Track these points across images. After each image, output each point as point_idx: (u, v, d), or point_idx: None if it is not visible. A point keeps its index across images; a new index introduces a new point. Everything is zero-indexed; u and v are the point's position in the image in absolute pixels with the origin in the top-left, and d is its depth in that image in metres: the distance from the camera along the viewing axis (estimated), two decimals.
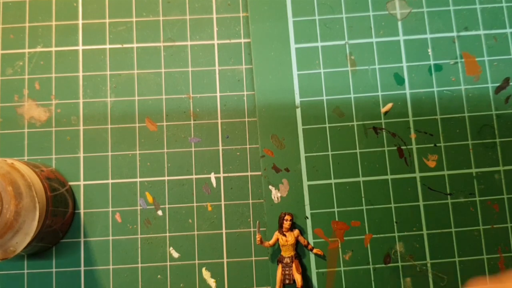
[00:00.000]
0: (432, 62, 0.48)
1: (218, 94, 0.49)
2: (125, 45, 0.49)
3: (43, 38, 0.49)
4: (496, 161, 0.46)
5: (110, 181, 0.47)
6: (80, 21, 0.49)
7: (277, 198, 0.46)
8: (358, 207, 0.46)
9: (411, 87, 0.48)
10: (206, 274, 0.46)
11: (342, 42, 0.49)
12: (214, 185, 0.47)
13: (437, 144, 0.47)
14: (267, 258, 0.46)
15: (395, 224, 0.46)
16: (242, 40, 0.49)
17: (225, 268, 0.46)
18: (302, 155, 0.47)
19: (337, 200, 0.46)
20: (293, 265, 0.44)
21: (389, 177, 0.46)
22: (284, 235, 0.45)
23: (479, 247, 0.45)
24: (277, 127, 0.47)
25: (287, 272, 0.44)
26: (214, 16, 0.50)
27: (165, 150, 0.47)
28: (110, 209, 0.46)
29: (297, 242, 0.45)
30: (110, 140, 0.48)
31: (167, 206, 0.47)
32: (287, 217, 0.45)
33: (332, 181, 0.46)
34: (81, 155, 0.47)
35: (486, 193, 0.46)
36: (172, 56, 0.49)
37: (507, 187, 0.46)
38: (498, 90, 0.48)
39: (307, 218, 0.46)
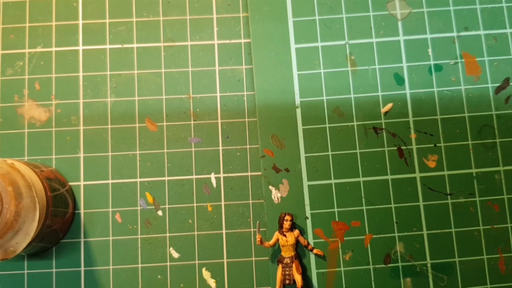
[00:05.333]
0: (432, 62, 0.48)
1: (218, 94, 0.49)
2: (125, 45, 0.49)
3: (43, 38, 0.49)
4: (496, 161, 0.46)
5: (110, 181, 0.47)
6: (80, 21, 0.49)
7: (277, 198, 0.46)
8: (358, 207, 0.46)
9: (411, 87, 0.48)
10: (206, 274, 0.46)
11: (342, 42, 0.49)
12: (214, 185, 0.47)
13: (437, 144, 0.47)
14: (267, 258, 0.46)
15: (395, 224, 0.46)
16: (242, 40, 0.49)
17: (225, 268, 0.46)
18: (302, 155, 0.47)
19: (337, 200, 0.46)
20: (293, 265, 0.44)
21: (389, 177, 0.46)
22: (284, 235, 0.45)
23: (479, 247, 0.45)
24: (277, 127, 0.47)
25: (287, 272, 0.44)
26: (214, 16, 0.50)
27: (165, 150, 0.47)
28: (110, 209, 0.46)
29: (297, 242, 0.45)
30: (110, 140, 0.48)
31: (167, 206, 0.47)
32: (287, 217, 0.45)
33: (332, 181, 0.46)
34: (81, 155, 0.47)
35: (486, 193, 0.46)
36: (172, 56, 0.49)
37: (507, 187, 0.46)
38: (498, 90, 0.48)
39: (307, 218, 0.46)
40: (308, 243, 0.45)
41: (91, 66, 0.49)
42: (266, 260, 0.46)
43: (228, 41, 0.49)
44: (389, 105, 0.47)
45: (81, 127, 0.48)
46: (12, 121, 0.48)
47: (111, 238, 0.46)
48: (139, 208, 0.47)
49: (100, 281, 0.45)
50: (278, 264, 0.45)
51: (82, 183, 0.47)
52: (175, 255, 0.46)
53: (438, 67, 0.48)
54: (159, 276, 0.46)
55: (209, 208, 0.47)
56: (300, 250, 0.45)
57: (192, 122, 0.48)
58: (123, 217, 0.46)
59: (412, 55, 0.48)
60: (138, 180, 0.47)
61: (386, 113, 0.47)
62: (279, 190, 0.46)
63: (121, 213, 0.46)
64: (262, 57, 0.48)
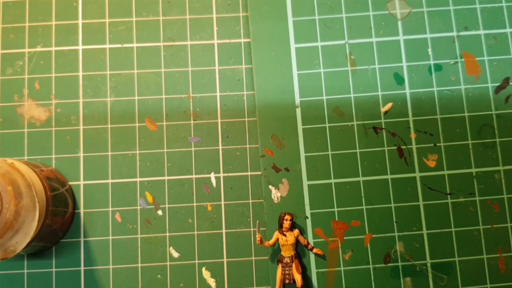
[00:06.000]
0: (432, 62, 0.48)
1: (218, 94, 0.49)
2: (125, 45, 0.49)
3: (43, 38, 0.49)
4: (496, 161, 0.46)
5: (110, 181, 0.47)
6: (80, 21, 0.49)
7: (277, 197, 0.46)
8: (358, 207, 0.46)
9: (411, 87, 0.48)
10: (206, 274, 0.46)
11: (342, 42, 0.49)
12: (214, 185, 0.47)
13: (437, 144, 0.47)
14: (267, 258, 0.46)
15: (395, 224, 0.46)
16: (242, 40, 0.49)
17: (225, 268, 0.46)
18: (302, 155, 0.47)
19: (337, 200, 0.46)
20: (293, 265, 0.44)
21: (389, 177, 0.46)
22: (284, 234, 0.45)
23: (479, 247, 0.45)
24: (277, 127, 0.47)
25: (287, 272, 0.44)
26: (214, 16, 0.50)
27: (165, 150, 0.47)
28: (110, 209, 0.46)
29: (297, 242, 0.45)
30: (110, 140, 0.48)
31: (167, 206, 0.47)
32: (287, 216, 0.45)
33: (332, 181, 0.46)
34: (81, 155, 0.47)
35: (486, 193, 0.46)
36: (172, 56, 0.49)
37: (507, 187, 0.46)
38: (498, 89, 0.48)
39: (307, 218, 0.46)
40: (308, 243, 0.45)
41: (91, 65, 0.49)
42: (266, 260, 0.46)
43: (228, 41, 0.49)
44: (389, 105, 0.47)
45: (81, 127, 0.48)
46: (12, 120, 0.48)
47: (111, 237, 0.46)
48: (139, 207, 0.47)
49: (100, 280, 0.45)
50: (278, 264, 0.45)
51: (82, 182, 0.47)
52: (175, 254, 0.46)
53: (438, 67, 0.48)
54: (159, 276, 0.46)
55: (209, 208, 0.47)
56: (300, 250, 0.45)
57: (192, 122, 0.48)
58: (123, 216, 0.46)
59: (412, 55, 0.48)
60: (138, 179, 0.47)
61: (386, 112, 0.47)
62: (279, 190, 0.46)
63: (121, 212, 0.46)
64: (262, 56, 0.48)
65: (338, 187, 0.46)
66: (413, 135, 0.47)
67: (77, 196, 0.47)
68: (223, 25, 0.50)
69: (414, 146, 0.47)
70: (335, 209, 0.46)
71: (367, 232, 0.46)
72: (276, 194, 0.46)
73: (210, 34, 0.49)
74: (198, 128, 0.48)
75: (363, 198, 0.46)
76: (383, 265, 0.45)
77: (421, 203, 0.46)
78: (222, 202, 0.47)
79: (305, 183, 0.46)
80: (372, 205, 0.46)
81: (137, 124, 0.48)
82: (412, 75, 0.48)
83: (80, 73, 0.49)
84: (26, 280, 0.45)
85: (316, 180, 0.46)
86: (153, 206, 0.47)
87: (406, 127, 0.47)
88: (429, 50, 0.48)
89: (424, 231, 0.46)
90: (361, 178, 0.46)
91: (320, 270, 0.45)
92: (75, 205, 0.46)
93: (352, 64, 0.48)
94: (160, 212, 0.47)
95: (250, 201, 0.47)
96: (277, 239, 0.45)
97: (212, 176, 0.47)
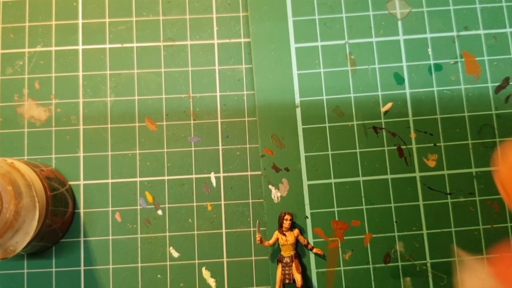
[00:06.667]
0: (432, 62, 0.48)
1: (218, 94, 0.49)
2: (125, 45, 0.49)
3: (43, 38, 0.49)
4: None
5: (110, 180, 0.47)
6: (80, 21, 0.49)
7: (277, 197, 0.46)
8: (358, 207, 0.46)
9: (411, 86, 0.48)
10: (206, 273, 0.46)
11: (342, 42, 0.49)
12: (214, 184, 0.47)
13: (437, 144, 0.47)
14: (267, 257, 0.46)
15: (395, 223, 0.46)
16: (242, 40, 0.49)
17: (225, 267, 0.46)
18: (302, 154, 0.47)
19: (337, 200, 0.46)
20: (293, 264, 0.44)
21: (389, 176, 0.46)
22: (284, 234, 0.45)
23: (479, 247, 0.45)
24: (277, 126, 0.47)
25: (287, 271, 0.44)
26: (214, 15, 0.50)
27: (165, 150, 0.47)
28: (110, 208, 0.46)
29: (297, 241, 0.45)
30: (110, 139, 0.48)
31: (167, 205, 0.47)
32: (287, 216, 0.45)
33: (332, 180, 0.46)
34: (81, 154, 0.47)
35: (486, 193, 0.46)
36: (172, 56, 0.49)
37: None
38: (498, 89, 0.48)
39: (307, 217, 0.46)
40: (308, 243, 0.45)
41: (91, 65, 0.49)
42: (266, 260, 0.46)
43: (228, 41, 0.49)
44: (389, 105, 0.47)
45: (81, 127, 0.48)
46: (12, 120, 0.48)
47: (110, 237, 0.46)
48: (139, 207, 0.47)
49: (100, 280, 0.45)
50: (278, 264, 0.45)
51: (82, 182, 0.47)
52: (175, 254, 0.46)
53: (438, 67, 0.48)
54: (159, 276, 0.46)
55: (209, 208, 0.47)
56: (300, 250, 0.45)
57: (192, 122, 0.48)
58: (123, 216, 0.46)
59: (412, 55, 0.48)
60: (138, 179, 0.47)
61: (386, 112, 0.47)
62: (279, 190, 0.46)
63: (121, 212, 0.46)
64: (262, 56, 0.48)
65: (338, 187, 0.46)
66: (413, 135, 0.47)
67: (77, 196, 0.47)
68: (223, 25, 0.50)
69: (414, 146, 0.47)
70: (335, 209, 0.46)
71: (367, 232, 0.46)
72: (276, 194, 0.46)
73: (210, 34, 0.49)
74: (198, 128, 0.48)
75: (363, 198, 0.46)
76: (383, 265, 0.45)
77: (421, 203, 0.46)
78: (222, 202, 0.47)
79: (305, 183, 0.46)
80: (372, 205, 0.46)
81: (137, 124, 0.48)
82: (412, 75, 0.48)
83: (80, 73, 0.49)
84: (26, 280, 0.45)
85: (316, 180, 0.46)
86: (153, 206, 0.47)
87: (406, 127, 0.47)
88: (429, 50, 0.48)
89: (424, 231, 0.46)
90: (361, 178, 0.46)
91: (320, 270, 0.45)
92: (75, 205, 0.46)
93: (352, 64, 0.48)
94: (160, 212, 0.47)
95: (250, 201, 0.47)
96: (277, 239, 0.45)
97: (212, 176, 0.47)
